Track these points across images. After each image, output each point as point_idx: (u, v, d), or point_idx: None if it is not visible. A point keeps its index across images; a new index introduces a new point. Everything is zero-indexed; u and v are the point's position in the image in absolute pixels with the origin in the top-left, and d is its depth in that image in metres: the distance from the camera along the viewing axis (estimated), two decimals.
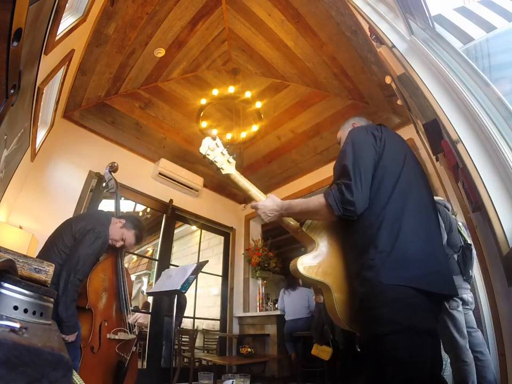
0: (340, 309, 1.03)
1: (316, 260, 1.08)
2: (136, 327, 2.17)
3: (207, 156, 1.16)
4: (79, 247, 1.74)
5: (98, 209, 3.34)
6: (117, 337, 1.95)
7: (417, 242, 0.91)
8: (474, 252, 1.87)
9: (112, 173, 2.68)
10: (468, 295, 1.90)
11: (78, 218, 1.93)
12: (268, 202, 1.14)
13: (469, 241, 1.90)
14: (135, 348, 2.00)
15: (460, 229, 1.95)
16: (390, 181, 0.99)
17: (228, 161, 1.19)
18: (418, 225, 0.94)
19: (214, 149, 1.17)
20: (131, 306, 2.20)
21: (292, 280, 4.09)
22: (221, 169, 1.18)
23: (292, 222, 1.20)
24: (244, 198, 5.20)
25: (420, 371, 0.80)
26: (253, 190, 1.20)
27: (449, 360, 1.92)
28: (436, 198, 2.12)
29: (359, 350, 1.38)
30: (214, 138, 1.18)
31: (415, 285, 0.85)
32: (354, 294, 1.01)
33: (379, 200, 0.97)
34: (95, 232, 1.81)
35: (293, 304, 3.83)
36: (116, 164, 2.70)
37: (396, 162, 1.04)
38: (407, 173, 1.02)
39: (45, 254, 1.76)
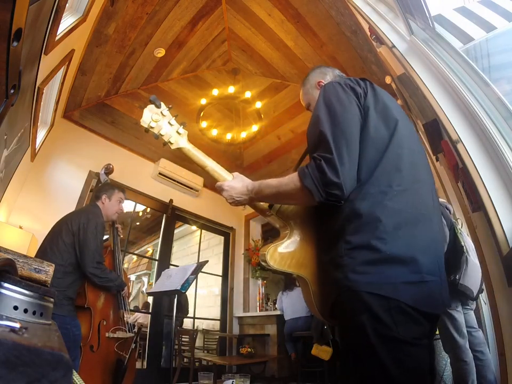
0: (317, 302, 0.89)
1: (288, 249, 0.90)
2: (136, 327, 2.17)
3: (150, 129, 0.93)
4: (87, 242, 1.82)
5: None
6: (115, 335, 1.96)
7: (399, 240, 0.69)
8: (468, 258, 1.78)
9: (107, 175, 2.68)
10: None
11: (71, 216, 1.95)
12: (235, 183, 0.94)
13: (465, 247, 1.82)
14: (134, 345, 2.00)
15: (457, 232, 1.89)
16: (374, 153, 0.77)
17: (178, 132, 0.96)
18: (404, 217, 0.72)
19: (158, 119, 0.93)
20: (129, 305, 2.21)
21: (288, 281, 4.08)
22: (169, 144, 0.95)
23: (261, 202, 1.00)
24: None
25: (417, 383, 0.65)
26: (212, 166, 0.98)
27: (448, 360, 1.93)
28: None
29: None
30: (158, 106, 0.94)
31: (389, 294, 0.66)
32: (327, 288, 0.83)
33: (358, 178, 0.75)
34: (91, 222, 1.89)
35: (292, 304, 3.83)
36: (111, 166, 2.71)
37: (384, 127, 0.80)
38: (396, 145, 0.78)
39: (44, 256, 1.75)
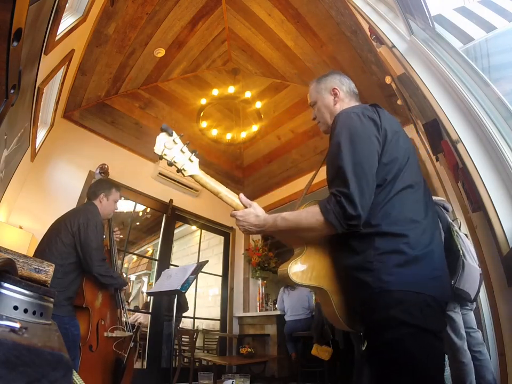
0: (341, 312, 0.93)
1: (308, 263, 0.94)
2: (136, 327, 2.17)
3: (164, 157, 0.95)
4: (89, 242, 1.82)
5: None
6: (114, 335, 1.96)
7: (420, 243, 0.81)
8: (465, 261, 1.75)
9: (102, 174, 2.68)
10: None
11: (69, 216, 1.94)
12: (249, 215, 0.96)
13: (461, 250, 1.78)
14: (132, 344, 2.01)
15: (453, 235, 1.84)
16: (391, 178, 0.86)
17: (190, 159, 0.98)
18: (420, 224, 0.83)
19: (171, 147, 0.96)
20: (128, 305, 2.22)
21: None
22: (182, 171, 0.98)
23: None
24: None
25: (439, 376, 0.74)
26: (224, 192, 1.01)
27: (448, 360, 1.93)
28: (435, 198, 2.10)
29: (363, 348, 1.27)
30: (170, 134, 0.96)
31: (418, 289, 0.76)
32: (352, 294, 0.91)
33: (376, 197, 0.84)
34: (91, 222, 1.90)
35: (292, 304, 3.83)
36: (106, 166, 2.70)
37: (399, 154, 0.88)
38: (409, 168, 0.88)
39: (43, 256, 1.75)
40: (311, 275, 0.93)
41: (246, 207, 0.99)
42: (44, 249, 1.79)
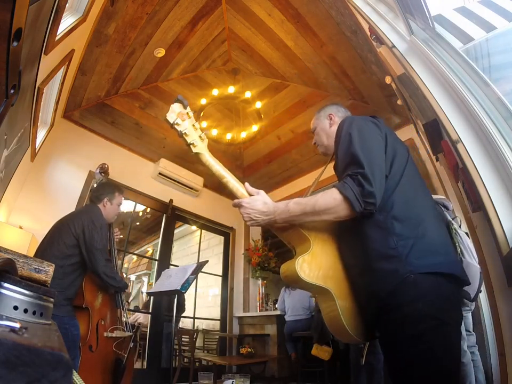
0: (347, 318, 0.87)
1: (314, 261, 0.89)
2: (136, 327, 2.17)
3: (175, 126, 0.91)
4: (96, 244, 1.83)
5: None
6: (113, 335, 1.96)
7: (435, 229, 0.85)
8: (463, 260, 1.78)
9: (102, 174, 2.68)
10: None
11: (72, 218, 1.94)
12: (256, 201, 0.90)
13: (460, 248, 1.82)
14: (132, 344, 2.01)
15: (452, 233, 1.87)
16: (396, 171, 0.90)
17: (200, 137, 0.95)
18: (431, 213, 0.89)
19: (184, 118, 0.92)
20: (128, 305, 2.22)
21: None
22: (191, 145, 0.93)
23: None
24: None
25: (456, 368, 0.77)
26: (229, 178, 0.96)
27: None
28: (435, 196, 2.10)
29: (363, 363, 1.21)
30: (185, 106, 0.93)
31: (446, 270, 0.79)
32: (363, 297, 0.88)
33: (387, 185, 0.87)
34: (96, 224, 1.90)
35: (293, 304, 3.82)
36: (106, 165, 2.70)
37: (400, 155, 0.94)
38: (411, 171, 0.93)
39: (44, 257, 1.75)
40: (318, 273, 0.87)
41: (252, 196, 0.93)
42: (45, 250, 1.79)
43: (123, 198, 2.22)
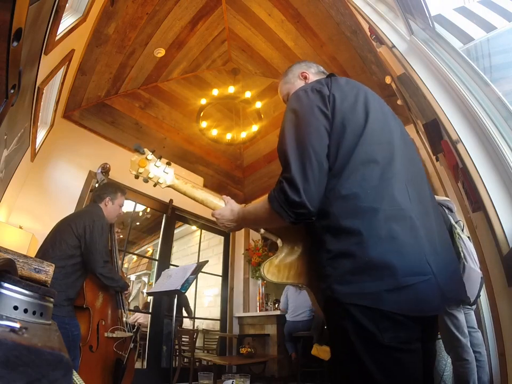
0: (318, 309, 0.89)
1: (286, 261, 0.91)
2: (135, 327, 2.17)
3: (139, 175, 1.00)
4: (95, 244, 1.83)
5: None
6: (114, 335, 1.96)
7: (379, 242, 0.65)
8: (466, 264, 1.74)
9: (104, 174, 2.68)
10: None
11: (74, 218, 1.94)
12: (225, 211, 0.97)
13: (463, 253, 1.77)
14: (133, 344, 2.01)
15: (455, 237, 1.82)
16: (340, 153, 0.73)
17: (165, 172, 1.04)
18: (382, 216, 0.67)
19: (144, 164, 1.01)
20: (128, 305, 2.22)
21: None
22: (158, 184, 1.03)
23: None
24: (244, 198, 5.21)
25: None
26: (202, 196, 1.04)
27: (449, 359, 1.92)
28: (439, 198, 2.09)
29: None
30: (142, 153, 1.00)
31: (370, 303, 0.63)
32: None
33: (329, 179, 0.73)
34: (97, 224, 1.90)
35: (298, 304, 3.81)
36: (107, 165, 2.70)
37: (353, 125, 0.75)
38: (368, 140, 0.74)
39: (45, 257, 1.74)
40: (288, 273, 0.90)
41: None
42: (47, 250, 1.79)
43: (122, 197, 2.22)
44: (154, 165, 1.03)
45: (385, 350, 0.62)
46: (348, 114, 0.77)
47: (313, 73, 1.06)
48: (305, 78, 1.04)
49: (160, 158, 1.05)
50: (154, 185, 1.04)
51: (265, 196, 0.79)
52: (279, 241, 0.97)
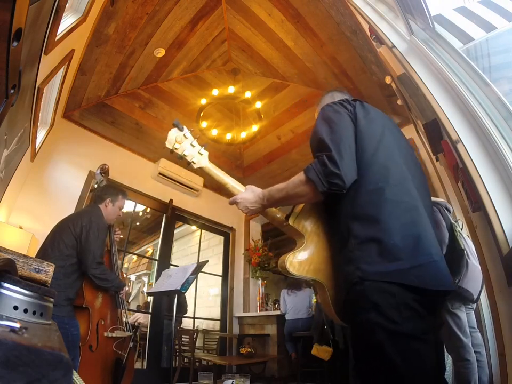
0: (335, 306, 0.94)
1: (306, 256, 0.96)
2: (135, 327, 2.17)
3: (174, 150, 1.02)
4: (89, 244, 1.82)
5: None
6: (114, 335, 1.96)
7: (401, 229, 0.77)
8: (469, 261, 1.75)
9: (103, 175, 2.68)
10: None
11: (72, 218, 1.95)
12: (247, 194, 1.03)
13: (465, 250, 1.78)
14: (132, 344, 2.01)
15: (456, 235, 1.84)
16: (365, 156, 0.86)
17: (199, 153, 1.05)
18: (402, 207, 0.80)
19: (182, 141, 1.02)
20: (128, 305, 2.21)
21: (296, 280, 4.05)
22: (192, 164, 1.04)
23: (277, 214, 1.08)
24: None
25: (423, 377, 0.69)
26: (231, 183, 1.07)
27: (449, 359, 1.92)
28: (437, 199, 2.10)
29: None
30: (181, 129, 1.03)
31: (397, 279, 0.72)
32: (341, 290, 0.90)
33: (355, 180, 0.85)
34: (93, 224, 1.89)
35: (295, 305, 3.82)
36: (106, 166, 2.70)
37: (372, 135, 0.90)
38: (385, 147, 0.89)
39: (45, 257, 1.75)
40: (308, 268, 0.94)
41: None
42: (47, 250, 1.80)
43: (123, 199, 2.22)
44: (191, 144, 1.04)
45: (407, 339, 0.70)
46: (368, 125, 0.92)
47: (339, 97, 1.19)
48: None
49: (197, 137, 1.06)
50: (188, 164, 1.05)
51: (296, 175, 0.90)
52: (300, 238, 1.01)
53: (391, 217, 0.78)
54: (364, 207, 0.81)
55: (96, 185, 2.68)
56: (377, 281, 0.73)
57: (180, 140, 1.02)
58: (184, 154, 1.03)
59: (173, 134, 1.02)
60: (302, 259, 0.95)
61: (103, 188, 2.28)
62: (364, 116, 0.94)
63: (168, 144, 1.01)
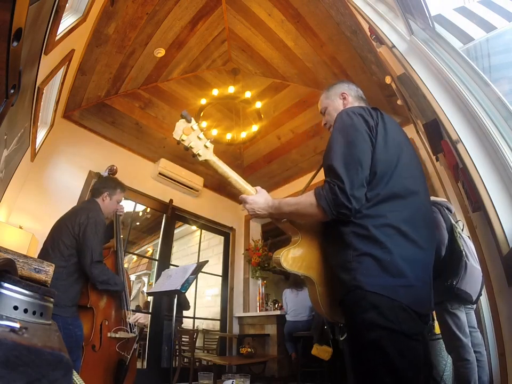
0: (323, 302, 0.99)
1: (300, 253, 1.01)
2: (136, 327, 2.17)
3: (181, 142, 1.04)
4: (86, 241, 1.77)
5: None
6: (117, 335, 1.95)
7: (399, 247, 0.83)
8: (468, 262, 1.75)
9: (111, 176, 2.67)
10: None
11: (69, 217, 1.90)
12: (258, 198, 1.06)
13: (464, 252, 1.78)
14: (136, 345, 2.00)
15: (456, 236, 1.84)
16: (379, 177, 0.89)
17: (205, 146, 1.08)
18: (407, 227, 0.85)
19: (189, 133, 1.04)
20: (130, 305, 2.21)
21: (299, 279, 4.04)
22: (197, 156, 1.07)
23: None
24: None
25: (417, 375, 0.75)
26: (234, 177, 1.09)
27: (449, 359, 1.92)
28: (438, 199, 2.10)
29: (341, 338, 1.33)
30: (188, 121, 1.04)
31: (390, 294, 0.78)
32: (336, 288, 0.95)
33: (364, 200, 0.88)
34: (91, 220, 1.83)
35: (297, 304, 3.81)
36: (115, 167, 2.69)
37: (390, 157, 0.92)
38: (400, 169, 0.91)
39: (46, 258, 1.72)
40: (301, 264, 1.00)
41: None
42: (48, 251, 1.76)
43: (123, 197, 2.20)
44: (197, 136, 1.06)
45: (404, 337, 0.76)
46: (385, 149, 0.92)
47: (353, 96, 1.17)
48: (344, 98, 1.16)
49: (204, 131, 1.09)
50: (193, 156, 1.07)
51: (308, 192, 0.93)
52: (295, 236, 1.05)
53: (391, 240, 0.83)
54: (368, 226, 0.85)
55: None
56: (373, 292, 0.79)
57: (187, 131, 1.04)
58: (190, 146, 1.05)
59: (181, 125, 1.04)
60: (295, 255, 1.00)
61: (102, 181, 2.23)
62: (383, 136, 0.93)
63: (175, 135, 1.03)
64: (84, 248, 1.77)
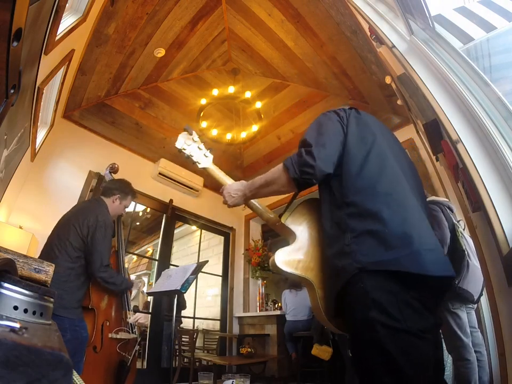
0: (323, 305, 0.94)
1: (296, 253, 0.98)
2: (136, 327, 2.16)
3: (182, 151, 1.18)
4: (95, 245, 1.76)
5: (86, 200, 3.16)
6: (118, 336, 1.95)
7: (395, 217, 0.80)
8: (470, 262, 1.75)
9: (112, 174, 2.67)
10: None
11: (77, 217, 1.86)
12: (234, 184, 1.13)
13: (466, 251, 1.78)
14: (138, 346, 2.00)
15: (458, 235, 1.84)
16: (357, 158, 0.90)
17: (205, 155, 1.22)
18: (395, 197, 0.84)
19: (190, 144, 1.19)
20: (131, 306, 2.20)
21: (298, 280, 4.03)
22: (197, 163, 1.20)
23: (271, 215, 1.13)
24: None
25: (422, 375, 0.71)
26: (228, 182, 1.19)
27: (449, 359, 1.92)
28: (440, 198, 2.10)
29: (350, 354, 1.25)
30: (190, 133, 1.19)
31: (393, 267, 0.74)
32: (334, 282, 0.89)
33: (349, 177, 0.88)
34: (100, 223, 1.82)
35: (297, 304, 3.81)
36: (116, 165, 2.70)
37: (365, 138, 0.94)
38: (379, 148, 0.93)
39: (52, 258, 1.67)
40: (297, 265, 0.97)
41: None
42: (54, 251, 1.72)
43: (131, 199, 2.20)
44: (198, 147, 1.21)
45: (408, 336, 0.71)
46: (360, 129, 0.96)
47: None
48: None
49: (204, 142, 1.23)
50: (193, 163, 1.21)
51: None
52: (291, 236, 1.04)
53: (383, 207, 0.81)
54: (359, 202, 0.84)
55: (104, 184, 2.66)
56: (375, 273, 0.75)
57: (188, 142, 1.19)
58: (190, 155, 1.19)
59: (183, 136, 1.19)
60: (292, 256, 0.98)
61: (116, 182, 2.21)
62: (356, 122, 0.98)
63: (178, 145, 1.17)
64: (93, 252, 1.75)
